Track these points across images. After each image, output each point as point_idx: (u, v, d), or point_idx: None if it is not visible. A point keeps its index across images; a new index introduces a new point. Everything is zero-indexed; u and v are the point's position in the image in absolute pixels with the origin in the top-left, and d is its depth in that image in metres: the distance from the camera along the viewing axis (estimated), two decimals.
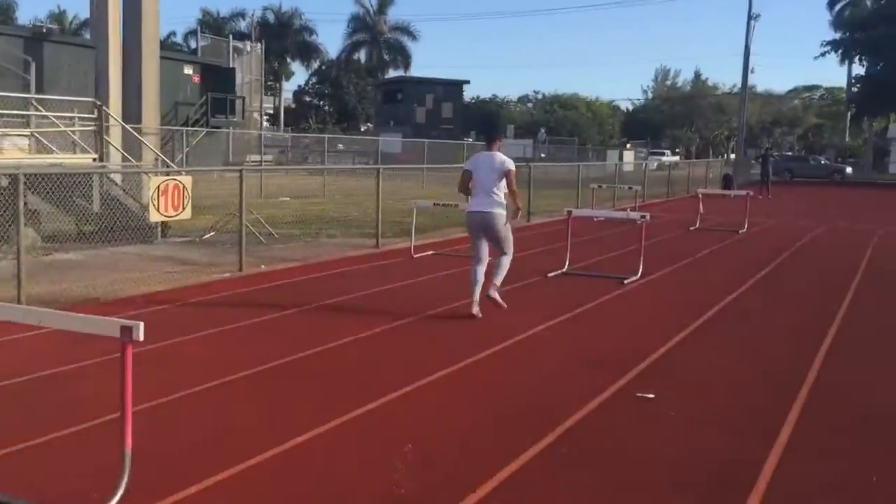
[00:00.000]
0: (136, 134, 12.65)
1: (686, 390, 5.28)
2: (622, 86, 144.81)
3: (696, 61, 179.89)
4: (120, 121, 12.79)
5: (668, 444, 4.28)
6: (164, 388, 4.93)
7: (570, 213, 10.03)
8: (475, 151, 38.34)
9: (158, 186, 8.57)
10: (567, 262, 9.98)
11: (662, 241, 13.77)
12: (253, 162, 34.45)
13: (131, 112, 14.39)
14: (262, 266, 9.94)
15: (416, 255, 10.99)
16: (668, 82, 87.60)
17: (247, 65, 44.08)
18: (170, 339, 6.14)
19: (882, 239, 15.08)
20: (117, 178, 12.87)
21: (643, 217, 9.48)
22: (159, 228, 11.91)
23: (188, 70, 31.69)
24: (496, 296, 7.49)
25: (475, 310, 7.24)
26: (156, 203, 8.55)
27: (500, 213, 7.35)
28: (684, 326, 7.08)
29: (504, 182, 7.29)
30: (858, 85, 43.60)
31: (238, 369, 5.40)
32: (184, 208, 8.84)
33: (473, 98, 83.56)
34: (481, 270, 7.55)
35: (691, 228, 15.59)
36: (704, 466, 4.00)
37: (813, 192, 33.72)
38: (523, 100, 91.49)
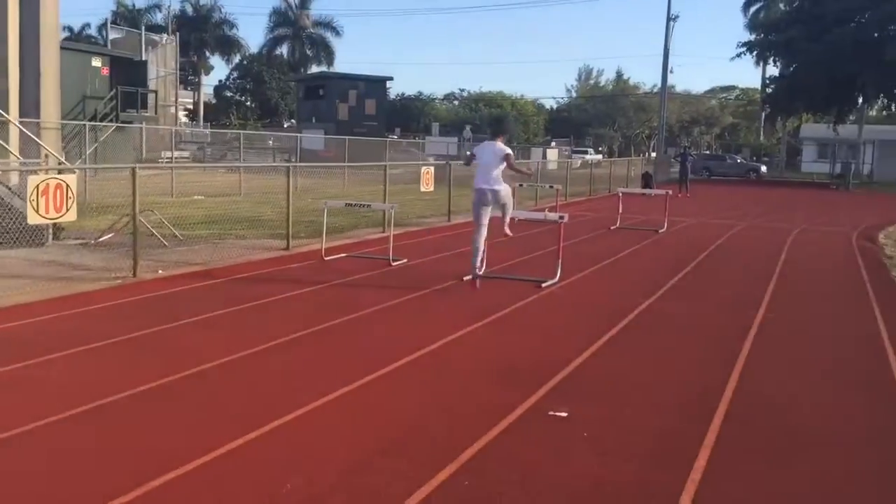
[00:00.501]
0: (21, 127, 11.70)
1: (600, 407, 4.93)
2: (547, 84, 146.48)
3: (618, 61, 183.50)
4: (5, 114, 11.83)
5: (579, 474, 3.90)
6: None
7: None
8: (400, 149, 37.78)
9: (38, 186, 7.81)
10: (483, 264, 9.58)
11: (583, 241, 13.56)
12: (168, 159, 33.23)
13: (29, 105, 13.40)
14: (160, 271, 9.26)
15: (327, 258, 10.45)
16: (592, 81, 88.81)
17: (161, 58, 42.59)
18: (29, 359, 5.48)
19: (797, 238, 15.22)
20: (14, 176, 11.93)
21: (562, 218, 9.15)
22: (50, 230, 11.06)
23: (96, 62, 30.25)
24: (508, 231, 9.51)
25: (476, 281, 8.95)
26: (35, 204, 7.78)
27: (502, 187, 9.12)
28: (601, 334, 6.77)
29: (503, 165, 9.02)
30: (772, 85, 44.72)
31: (93, 397, 4.75)
32: (67, 209, 8.09)
33: (398, 95, 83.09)
34: (481, 238, 9.16)
35: (612, 228, 15.45)
36: (617, 499, 3.63)
37: (730, 190, 34.36)
38: (449, 97, 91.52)
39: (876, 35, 37.36)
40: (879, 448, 4.49)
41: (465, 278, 9.14)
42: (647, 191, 21.65)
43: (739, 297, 8.84)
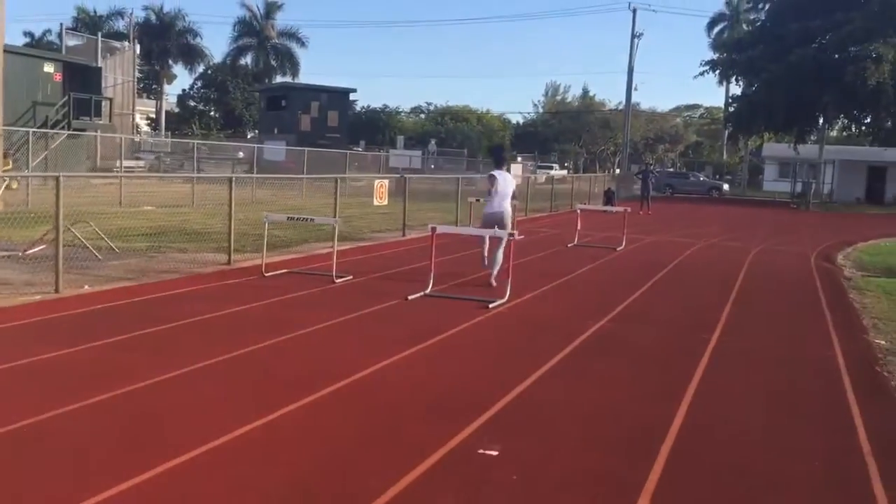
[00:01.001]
0: None
1: (536, 444, 4.51)
2: (514, 99, 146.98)
3: (584, 77, 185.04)
4: None
5: None
6: None
7: (433, 229, 9.22)
8: (365, 161, 37.08)
9: None
10: (430, 284, 9.17)
11: (538, 258, 13.21)
12: (126, 168, 32.38)
13: None
14: (87, 286, 8.70)
15: (267, 274, 9.95)
16: (558, 97, 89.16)
17: (119, 65, 41.69)
18: None
19: (755, 257, 15.02)
20: None
21: (511, 235, 8.77)
22: None
23: (48, 68, 29.43)
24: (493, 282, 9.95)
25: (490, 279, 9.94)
26: None
27: (508, 211, 10.32)
28: (546, 360, 6.36)
29: (513, 189, 10.46)
30: (734, 104, 45.06)
31: None
32: None
33: (364, 108, 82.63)
34: (486, 247, 10.55)
35: (569, 245, 15.12)
36: None
37: (692, 208, 34.38)
38: (416, 110, 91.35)
39: (836, 56, 37.78)
40: (836, 492, 4.13)
41: (409, 297, 8.70)
42: (606, 208, 21.45)
43: (695, 319, 8.52)
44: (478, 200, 17.19)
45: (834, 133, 56.19)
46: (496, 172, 10.48)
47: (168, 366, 5.64)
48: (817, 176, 47.40)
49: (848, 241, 19.51)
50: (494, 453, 4.29)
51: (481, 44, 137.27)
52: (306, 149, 28.49)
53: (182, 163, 40.21)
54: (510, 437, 4.56)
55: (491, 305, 8.43)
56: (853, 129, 48.63)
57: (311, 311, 7.91)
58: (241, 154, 42.47)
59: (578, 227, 15.83)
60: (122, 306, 7.85)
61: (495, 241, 10.00)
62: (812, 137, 48.02)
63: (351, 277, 9.94)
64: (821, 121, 44.00)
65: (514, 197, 10.39)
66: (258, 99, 55.09)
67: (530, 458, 4.28)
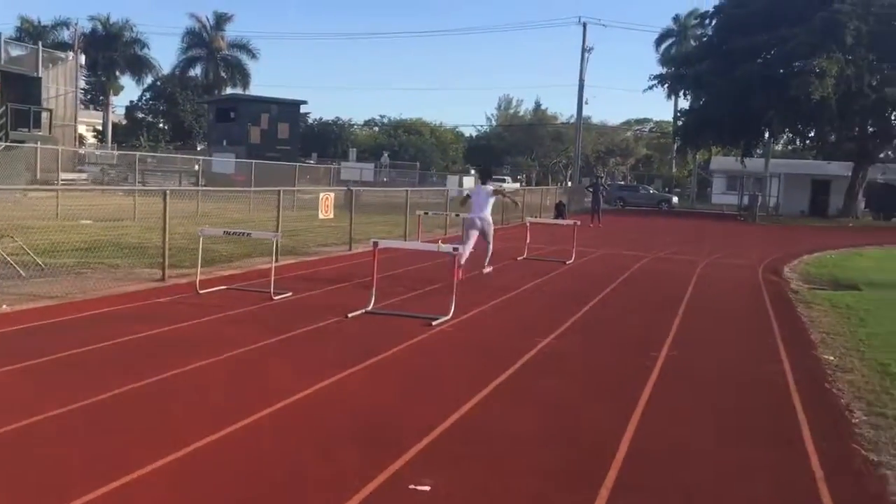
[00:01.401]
0: None
1: (472, 475, 4.20)
2: (467, 112, 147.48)
3: (537, 90, 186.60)
4: None
5: None
6: None
7: (375, 244, 8.89)
8: (318, 173, 36.51)
9: None
10: (372, 300, 8.82)
11: (484, 273, 12.92)
12: (67, 180, 31.40)
13: None
14: (4, 305, 8.17)
15: (202, 291, 9.50)
16: (511, 111, 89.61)
17: (62, 76, 40.57)
18: None
19: (704, 271, 14.98)
20: None
21: (455, 249, 8.48)
22: None
23: None
24: (488, 270, 12.47)
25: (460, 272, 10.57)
26: None
27: (488, 219, 12.46)
28: (488, 380, 6.07)
29: (491, 200, 12.55)
30: (682, 119, 45.65)
31: None
32: None
33: (316, 120, 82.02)
34: (468, 249, 12.09)
35: (519, 259, 14.90)
36: None
37: (642, 220, 34.58)
38: (370, 123, 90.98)
39: (781, 71, 38.46)
40: None
41: (349, 315, 8.35)
42: (556, 221, 21.35)
43: (643, 335, 8.31)
44: (426, 213, 16.95)
45: (779, 147, 57.30)
46: (476, 186, 13.44)
47: (76, 395, 5.21)
48: (763, 189, 48.16)
49: (794, 254, 19.65)
50: (426, 488, 3.98)
51: (436, 57, 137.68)
52: (254, 161, 27.87)
53: (126, 175, 39.26)
54: (445, 468, 4.25)
55: (434, 323, 8.12)
56: (798, 142, 49.58)
57: (243, 330, 7.51)
58: (197, 166, 41.72)
59: (528, 241, 15.64)
60: (35, 329, 7.35)
61: (481, 240, 12.60)
62: (758, 151, 48.84)
63: (290, 294, 9.54)
64: (766, 134, 44.75)
65: (502, 194, 14.08)
66: (207, 111, 54.14)
67: (464, 492, 3.97)
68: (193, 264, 11.87)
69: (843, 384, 6.74)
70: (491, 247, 12.71)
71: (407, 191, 18.24)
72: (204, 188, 23.84)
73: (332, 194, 14.58)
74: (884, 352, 8.05)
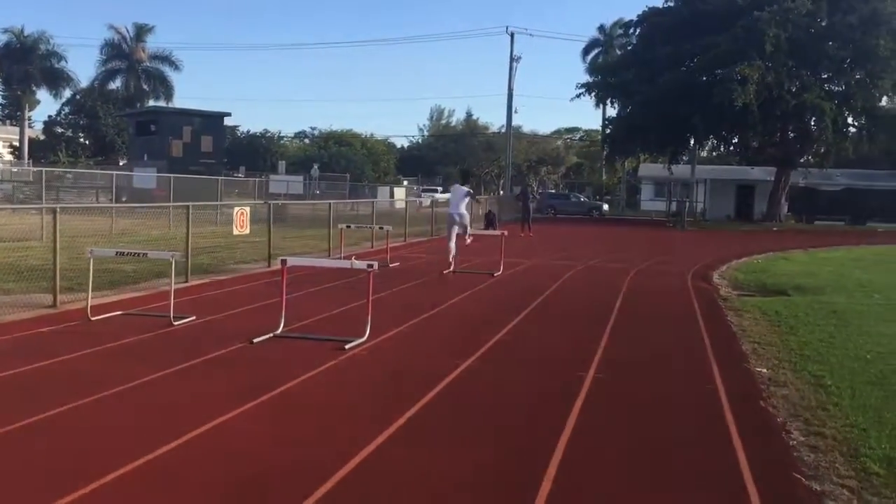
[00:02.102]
0: None
1: None
2: (400, 123, 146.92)
3: (469, 100, 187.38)
4: None
5: None
6: None
7: (283, 261, 8.23)
8: (247, 187, 35.33)
9: None
10: (282, 323, 8.16)
11: (410, 288, 12.37)
12: None
13: None
14: None
15: (95, 318, 8.68)
16: (443, 121, 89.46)
17: None
18: None
19: (634, 279, 14.70)
20: None
21: (370, 266, 7.88)
22: None
23: None
24: (468, 240, 15.31)
25: (450, 267, 14.23)
26: None
27: (465, 214, 14.87)
28: (399, 413, 5.49)
29: (466, 199, 15.00)
30: (610, 126, 46.01)
31: None
32: None
33: (244, 132, 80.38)
34: (452, 243, 14.50)
35: (445, 272, 14.36)
36: None
37: (573, 229, 34.50)
38: (301, 135, 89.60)
39: (704, 79, 39.03)
40: None
41: (254, 341, 7.67)
42: (485, 231, 20.95)
43: (570, 353, 7.85)
44: (349, 226, 16.31)
45: (705, 153, 58.37)
46: (454, 186, 15.87)
47: None
48: (690, 195, 48.89)
49: (722, 259, 19.64)
50: None
51: (367, 68, 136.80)
52: (172, 175, 26.76)
53: (40, 192, 37.41)
54: None
55: (347, 346, 7.50)
56: (722, 148, 50.49)
57: (129, 363, 6.76)
58: (104, 182, 40.05)
59: (451, 254, 15.11)
60: None
61: (458, 234, 14.86)
62: (684, 158, 49.58)
63: (193, 318, 8.80)
64: (692, 141, 45.40)
65: (473, 197, 16.00)
66: (127, 124, 52.32)
67: None
68: (98, 286, 11.04)
69: (778, 400, 6.38)
70: (469, 229, 15.60)
71: (330, 203, 17.54)
72: (106, 205, 22.67)
73: (248, 209, 13.82)
74: (817, 363, 7.77)
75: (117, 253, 9.01)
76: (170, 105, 60.94)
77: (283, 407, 5.71)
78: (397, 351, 7.68)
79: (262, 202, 19.06)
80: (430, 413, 5.63)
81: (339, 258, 15.53)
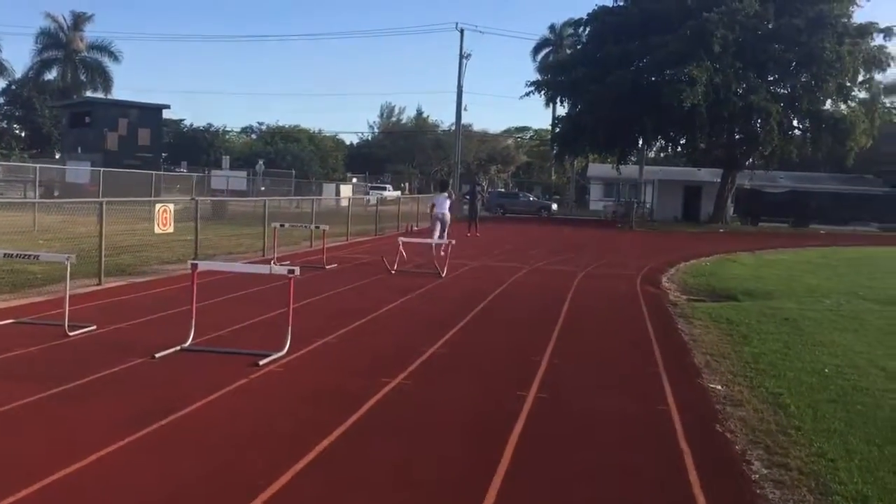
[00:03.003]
0: None
1: None
2: (349, 120, 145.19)
3: (418, 97, 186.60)
4: None
5: None
6: None
7: (194, 266, 7.39)
8: (190, 183, 34.13)
9: None
10: (191, 334, 7.33)
11: (347, 290, 11.60)
12: None
13: None
14: None
15: None
16: (394, 119, 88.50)
17: None
18: None
19: (581, 283, 14.14)
20: None
21: (291, 272, 7.10)
22: None
23: None
24: (448, 241, 15.94)
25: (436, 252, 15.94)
26: None
27: (447, 213, 18.69)
28: (310, 446, 4.75)
29: (448, 202, 18.99)
30: (559, 125, 45.62)
31: None
32: None
33: (187, 127, 78.37)
34: (436, 235, 17.97)
35: (384, 274, 13.59)
36: None
37: (521, 228, 34.00)
38: (247, 130, 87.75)
39: (653, 79, 38.88)
40: None
41: (156, 356, 6.82)
42: (423, 240, 20.30)
43: (511, 367, 7.18)
44: (282, 226, 15.46)
45: (653, 154, 58.61)
46: (437, 196, 20.21)
47: None
48: (638, 195, 48.88)
49: (671, 262, 19.26)
50: None
51: (315, 62, 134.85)
52: (101, 169, 25.50)
53: None
54: None
55: (262, 362, 6.70)
56: (670, 149, 50.58)
57: (9, 382, 5.87)
58: (33, 175, 38.35)
59: (402, 254, 14.40)
60: None
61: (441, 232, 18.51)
62: (632, 158, 49.52)
63: (94, 328, 7.90)
64: (640, 141, 45.31)
65: (454, 200, 21.29)
66: (60, 115, 50.32)
67: None
68: (14, 289, 10.09)
69: (736, 423, 5.81)
70: (448, 230, 19.04)
71: (265, 201, 16.63)
72: (17, 200, 21.47)
73: (172, 206, 12.88)
74: (772, 377, 7.25)
75: (4, 255, 8.02)
76: (108, 97, 58.91)
77: (177, 437, 4.91)
78: (318, 367, 6.90)
79: (188, 199, 18.01)
80: (346, 444, 4.89)
81: (273, 259, 14.67)
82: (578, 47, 46.93)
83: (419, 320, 9.50)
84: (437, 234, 18.34)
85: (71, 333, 7.49)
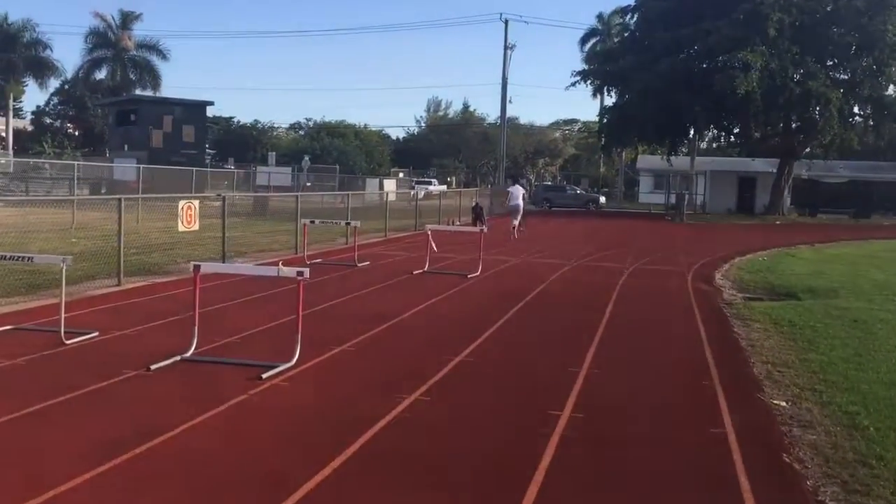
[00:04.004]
0: None
1: None
2: (397, 114, 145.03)
3: (464, 90, 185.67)
4: None
5: None
6: None
7: (197, 267, 6.75)
8: (234, 180, 34.23)
9: None
10: (193, 343, 6.70)
11: (370, 293, 10.87)
12: None
13: None
14: None
15: None
16: (441, 112, 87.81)
17: None
18: None
19: (628, 281, 13.24)
20: None
21: (300, 274, 6.42)
22: None
23: None
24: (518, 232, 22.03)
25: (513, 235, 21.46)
26: None
27: (521, 204, 22.84)
28: (299, 484, 4.05)
29: (521, 192, 23.59)
30: (607, 116, 44.37)
31: None
32: None
33: (234, 123, 78.85)
34: (517, 223, 22.36)
35: (416, 272, 12.88)
36: None
37: (567, 222, 33.02)
38: (295, 126, 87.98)
39: (705, 66, 37.47)
40: None
41: (152, 368, 6.21)
42: (461, 228, 19.58)
43: (543, 382, 6.40)
44: (312, 222, 14.85)
45: (704, 145, 56.91)
46: (511, 186, 24.26)
47: None
48: (690, 187, 47.38)
49: (724, 257, 18.20)
50: None
51: (362, 57, 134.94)
52: (142, 166, 25.36)
53: (7, 184, 35.99)
54: None
55: (265, 375, 6.03)
56: (722, 139, 48.98)
57: None
58: (73, 173, 38.63)
59: (435, 250, 13.67)
60: None
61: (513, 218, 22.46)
62: (683, 149, 48.04)
63: (95, 334, 7.34)
64: (691, 131, 43.86)
65: (524, 198, 23.62)
66: (107, 113, 50.81)
67: None
68: (5, 293, 9.65)
69: (805, 450, 4.97)
70: (521, 218, 22.89)
71: (297, 196, 16.07)
72: (41, 197, 21.40)
73: (197, 202, 12.33)
74: (845, 391, 6.34)
75: None
76: (156, 94, 59.35)
77: (149, 470, 4.25)
78: (328, 380, 6.21)
79: (215, 195, 17.55)
80: (341, 483, 4.19)
81: (303, 256, 14.09)
82: (625, 34, 45.60)
83: (447, 324, 8.75)
84: (516, 221, 22.39)
85: (68, 342, 6.92)
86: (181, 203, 11.93)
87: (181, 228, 11.97)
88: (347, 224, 15.35)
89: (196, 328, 6.70)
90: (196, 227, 12.32)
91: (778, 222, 36.58)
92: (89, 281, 10.99)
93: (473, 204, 24.94)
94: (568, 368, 6.77)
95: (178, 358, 6.44)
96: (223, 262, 13.09)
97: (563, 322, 9.22)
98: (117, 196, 10.83)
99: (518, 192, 23.06)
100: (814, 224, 36.55)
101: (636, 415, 5.64)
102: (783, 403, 6.07)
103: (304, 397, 5.67)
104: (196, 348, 6.67)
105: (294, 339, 6.66)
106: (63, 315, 7.01)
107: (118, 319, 8.18)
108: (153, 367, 6.17)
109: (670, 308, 10.62)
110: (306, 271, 6.49)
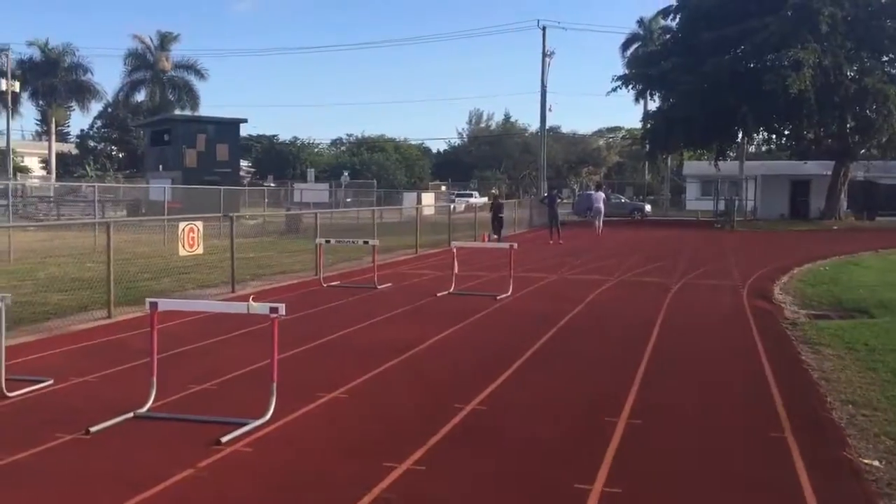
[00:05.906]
0: None
1: None
2: (437, 127, 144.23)
3: (506, 100, 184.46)
4: None
5: None
6: None
7: (154, 305, 5.66)
8: (277, 196, 33.84)
9: None
10: (151, 396, 5.62)
11: (383, 321, 9.68)
12: None
13: None
14: None
15: None
16: (483, 124, 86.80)
17: None
18: None
19: (676, 298, 11.91)
20: None
21: (274, 311, 5.31)
22: None
23: None
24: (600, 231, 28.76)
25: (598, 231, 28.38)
26: None
27: (602, 207, 29.73)
28: None
29: (602, 196, 31.07)
30: (651, 121, 42.73)
31: None
32: None
33: (273, 139, 78.89)
34: (599, 223, 29.00)
35: (439, 294, 11.73)
36: None
37: (611, 232, 31.49)
38: (336, 143, 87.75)
39: (752, 65, 35.73)
40: None
41: (91, 430, 5.15)
42: (488, 244, 18.39)
43: (572, 438, 5.19)
44: (327, 241, 13.80)
45: (753, 148, 54.81)
46: (592, 193, 34.04)
47: None
48: (739, 193, 45.45)
49: (782, 267, 16.70)
50: None
51: (400, 71, 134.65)
52: (171, 186, 24.73)
53: (45, 207, 35.88)
54: None
55: (225, 439, 4.91)
56: (773, 142, 46.97)
57: None
58: (90, 193, 38.49)
59: (456, 271, 12.50)
60: None
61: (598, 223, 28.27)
62: (731, 154, 46.15)
63: (50, 382, 6.30)
64: (740, 135, 42.03)
65: (604, 202, 30.37)
66: (142, 134, 50.84)
67: None
68: (32, 320, 8.83)
69: None
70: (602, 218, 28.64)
71: (316, 214, 15.09)
72: (54, 222, 20.77)
73: (200, 224, 11.35)
74: None
75: None
76: (195, 114, 59.34)
77: None
78: (303, 442, 5.04)
79: (220, 215, 16.61)
80: None
81: (320, 279, 13.06)
82: (668, 36, 43.99)
83: (462, 360, 7.53)
84: (598, 223, 28.07)
85: (10, 394, 5.90)
86: (182, 225, 10.95)
87: (182, 252, 11.00)
88: (365, 243, 14.27)
89: (154, 378, 5.62)
90: (200, 250, 11.36)
91: (835, 227, 34.62)
92: (80, 313, 10.07)
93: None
94: (602, 418, 5.54)
95: (130, 415, 5.37)
96: (232, 289, 12.12)
97: (599, 355, 7.95)
98: (105, 220, 9.86)
99: (599, 198, 29.38)
100: (873, 228, 34.52)
101: (685, 482, 4.40)
102: (875, 463, 4.79)
103: (266, 469, 4.53)
104: (156, 401, 5.59)
105: (284, 382, 5.55)
106: (3, 363, 5.96)
107: (86, 361, 7.17)
108: (94, 428, 5.10)
109: (725, 332, 9.28)
110: (281, 307, 5.37)
